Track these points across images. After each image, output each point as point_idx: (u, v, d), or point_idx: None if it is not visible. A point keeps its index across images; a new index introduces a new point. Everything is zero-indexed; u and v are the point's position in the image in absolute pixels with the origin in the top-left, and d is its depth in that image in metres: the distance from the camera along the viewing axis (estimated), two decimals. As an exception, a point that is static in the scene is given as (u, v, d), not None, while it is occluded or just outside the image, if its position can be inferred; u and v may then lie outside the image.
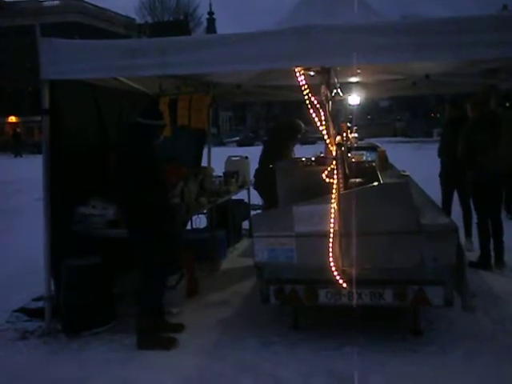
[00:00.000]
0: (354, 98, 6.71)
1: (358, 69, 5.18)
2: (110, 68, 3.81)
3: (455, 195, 6.31)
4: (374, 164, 5.24)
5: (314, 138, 41.53)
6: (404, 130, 50.01)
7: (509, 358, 3.50)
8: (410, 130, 50.17)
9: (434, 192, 5.69)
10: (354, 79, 6.02)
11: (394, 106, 58.13)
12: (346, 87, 6.06)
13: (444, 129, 6.94)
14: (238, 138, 43.79)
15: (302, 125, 6.25)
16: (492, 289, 4.87)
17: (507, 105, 8.26)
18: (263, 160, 5.95)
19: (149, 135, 3.89)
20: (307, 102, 3.67)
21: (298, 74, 3.62)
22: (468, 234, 6.15)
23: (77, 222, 4.38)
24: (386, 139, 36.01)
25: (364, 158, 6.10)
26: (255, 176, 6.22)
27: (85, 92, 4.63)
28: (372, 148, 7.44)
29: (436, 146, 6.73)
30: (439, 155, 6.43)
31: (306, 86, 3.64)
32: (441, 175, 6.44)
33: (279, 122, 6.68)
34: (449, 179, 6.28)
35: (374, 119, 50.15)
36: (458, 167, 5.78)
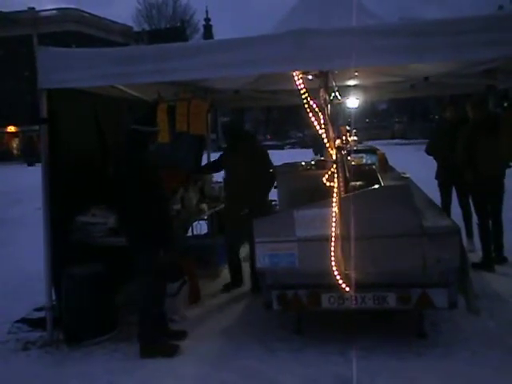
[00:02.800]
0: (353, 101, 6.71)
1: (356, 72, 5.18)
2: (108, 76, 3.80)
3: (454, 196, 6.29)
4: (374, 167, 5.22)
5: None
6: (402, 133, 50.10)
7: (514, 360, 3.47)
8: (408, 132, 50.27)
9: (435, 193, 5.67)
10: (351, 82, 6.02)
11: (392, 109, 58.20)
12: (344, 90, 6.06)
13: (438, 128, 6.93)
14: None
15: (227, 127, 5.94)
16: (495, 290, 4.84)
17: (505, 105, 8.26)
18: None
19: (143, 141, 3.88)
20: (306, 106, 3.66)
21: (296, 78, 3.60)
22: (469, 234, 6.13)
23: (77, 230, 4.36)
24: (385, 142, 36.09)
25: (364, 160, 6.08)
26: None
27: (83, 100, 4.62)
28: (371, 151, 7.41)
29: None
30: (430, 152, 6.43)
31: (304, 90, 3.63)
32: (437, 177, 6.41)
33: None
34: (446, 181, 6.26)
35: (372, 122, 50.19)
36: (455, 168, 5.77)
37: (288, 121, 56.79)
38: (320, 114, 3.65)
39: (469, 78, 5.68)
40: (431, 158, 6.53)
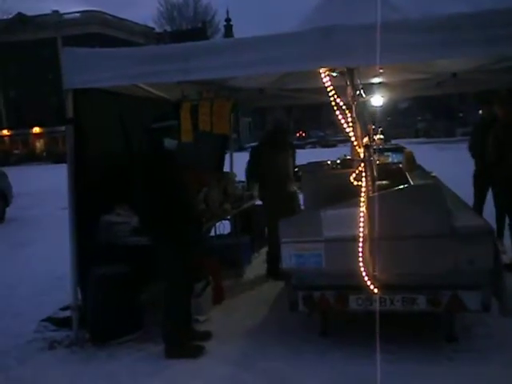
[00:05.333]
0: (377, 99, 6.59)
1: (381, 69, 5.08)
2: (133, 75, 3.78)
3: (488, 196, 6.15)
4: (400, 165, 5.11)
5: (335, 140, 41.44)
6: (426, 131, 49.40)
7: (551, 366, 3.34)
8: (431, 130, 49.57)
9: (462, 193, 5.53)
10: (376, 80, 5.91)
11: (414, 107, 57.28)
12: (368, 88, 5.95)
13: (476, 127, 6.82)
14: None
15: (279, 121, 5.91)
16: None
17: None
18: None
19: (161, 138, 3.84)
20: (333, 103, 3.58)
21: (322, 76, 3.53)
22: (500, 235, 5.96)
23: (102, 230, 4.36)
24: (408, 140, 35.54)
25: (389, 159, 5.96)
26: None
27: (108, 100, 4.63)
28: (398, 149, 7.28)
29: (460, 146, 6.59)
30: (470, 150, 6.35)
31: (331, 88, 3.55)
32: (475, 176, 6.30)
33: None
34: (482, 179, 6.13)
35: (394, 120, 49.52)
36: (491, 167, 5.64)
37: (308, 120, 56.46)
38: (347, 111, 3.57)
39: (496, 74, 5.52)
40: (456, 156, 6.42)
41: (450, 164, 8.75)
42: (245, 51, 3.47)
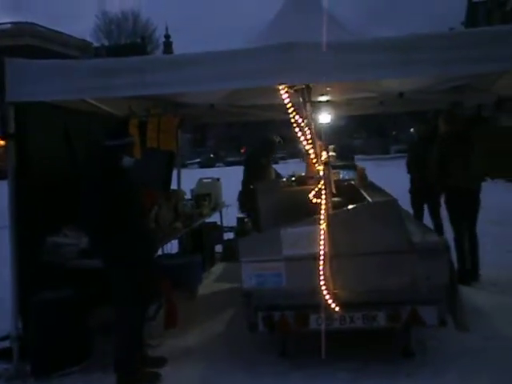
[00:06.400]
0: (325, 117, 6.70)
1: (328, 87, 5.15)
2: (83, 89, 3.58)
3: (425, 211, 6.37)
4: (352, 182, 5.18)
5: (276, 158, 41.72)
6: (362, 148, 51.17)
7: (504, 377, 3.44)
8: (367, 148, 51.41)
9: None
10: (323, 98, 6.00)
11: (350, 125, 59.26)
12: (314, 106, 6.02)
13: (412, 145, 7.07)
14: (199, 160, 43.48)
15: (276, 139, 6.37)
16: (475, 304, 4.83)
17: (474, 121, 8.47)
18: (242, 182, 6.20)
19: (116, 156, 3.67)
20: (292, 120, 3.56)
21: (282, 92, 3.50)
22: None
23: (48, 252, 4.07)
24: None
25: (341, 176, 6.05)
26: (238, 199, 6.49)
27: (53, 115, 4.38)
28: (350, 166, 7.42)
29: (395, 163, 6.85)
30: (408, 171, 6.53)
31: (290, 104, 3.53)
32: (411, 191, 6.50)
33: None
34: (419, 195, 6.34)
35: (335, 138, 51.02)
36: (428, 183, 5.85)
37: (248, 137, 56.73)
38: (306, 128, 3.56)
39: (439, 94, 5.77)
40: (392, 173, 6.65)
41: (388, 180, 9.03)
42: (205, 66, 3.37)
